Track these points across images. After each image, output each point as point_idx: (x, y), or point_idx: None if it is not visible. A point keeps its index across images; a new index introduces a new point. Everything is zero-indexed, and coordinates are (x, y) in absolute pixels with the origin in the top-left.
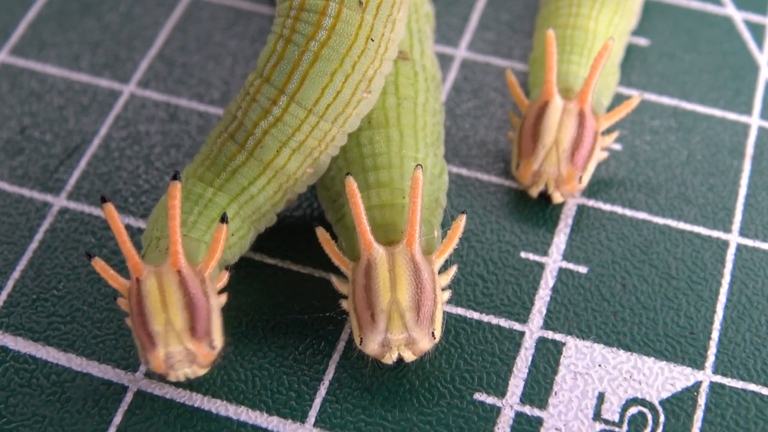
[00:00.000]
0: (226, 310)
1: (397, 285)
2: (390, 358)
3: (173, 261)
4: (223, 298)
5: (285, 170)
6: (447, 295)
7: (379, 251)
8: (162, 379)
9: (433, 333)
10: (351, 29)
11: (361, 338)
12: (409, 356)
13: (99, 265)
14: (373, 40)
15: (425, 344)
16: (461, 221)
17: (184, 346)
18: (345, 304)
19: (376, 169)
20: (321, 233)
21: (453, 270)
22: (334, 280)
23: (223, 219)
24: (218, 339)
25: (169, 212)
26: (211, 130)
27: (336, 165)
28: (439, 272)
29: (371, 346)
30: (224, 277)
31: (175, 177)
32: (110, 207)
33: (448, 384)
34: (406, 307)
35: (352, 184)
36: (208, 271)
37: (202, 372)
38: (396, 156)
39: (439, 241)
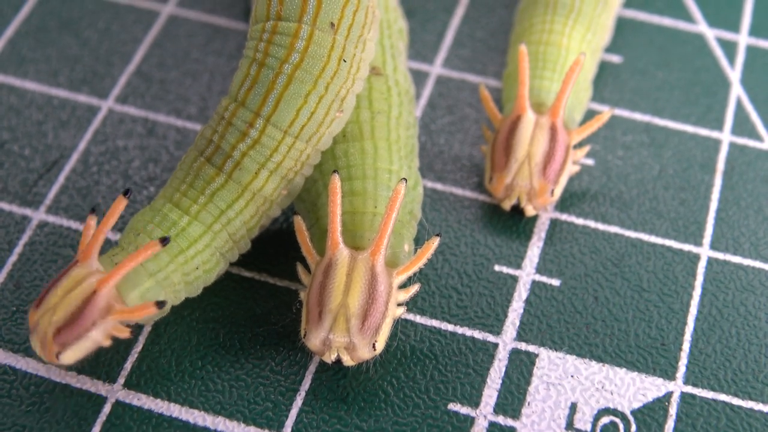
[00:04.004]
0: (203, 322)
1: (350, 290)
2: (329, 357)
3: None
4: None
5: (262, 192)
6: (401, 310)
7: (343, 253)
8: (140, 389)
9: (374, 345)
10: (323, 51)
11: (306, 332)
12: (347, 360)
13: (298, 223)
14: (345, 61)
15: (364, 353)
16: (433, 244)
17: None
18: (302, 295)
19: (351, 179)
20: (298, 223)
21: (414, 288)
22: (300, 269)
23: (164, 241)
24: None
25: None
26: (184, 156)
27: (311, 177)
28: (402, 287)
29: (313, 342)
30: None
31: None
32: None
33: (423, 394)
34: (353, 313)
35: (335, 182)
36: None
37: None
38: (370, 168)
39: (408, 256)
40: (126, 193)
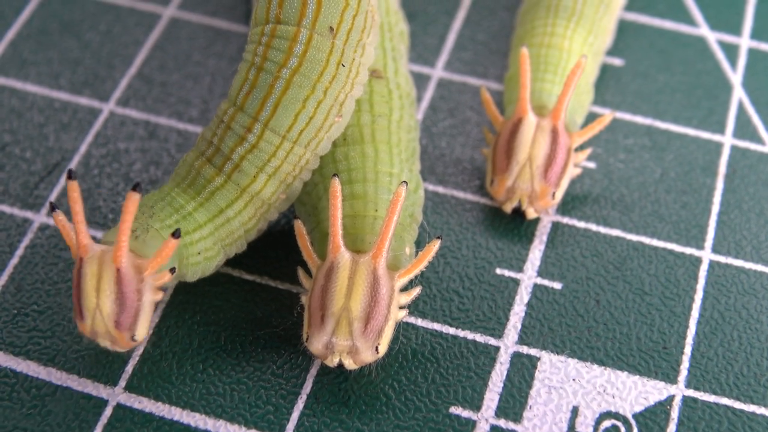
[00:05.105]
0: (204, 325)
1: (352, 293)
2: (332, 361)
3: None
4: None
5: (260, 195)
6: (403, 313)
7: (344, 256)
8: (141, 392)
9: (377, 348)
10: (322, 56)
11: (308, 336)
12: (350, 364)
13: (298, 227)
14: (344, 66)
15: (367, 356)
16: (434, 246)
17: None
18: (304, 299)
19: (351, 183)
20: (298, 227)
21: (416, 291)
22: (300, 273)
23: (176, 234)
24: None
25: None
26: (185, 155)
27: (312, 180)
28: (403, 290)
29: (315, 346)
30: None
31: (135, 188)
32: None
33: (424, 398)
34: (355, 317)
35: (336, 185)
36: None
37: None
38: (371, 171)
39: (410, 258)
40: (135, 187)
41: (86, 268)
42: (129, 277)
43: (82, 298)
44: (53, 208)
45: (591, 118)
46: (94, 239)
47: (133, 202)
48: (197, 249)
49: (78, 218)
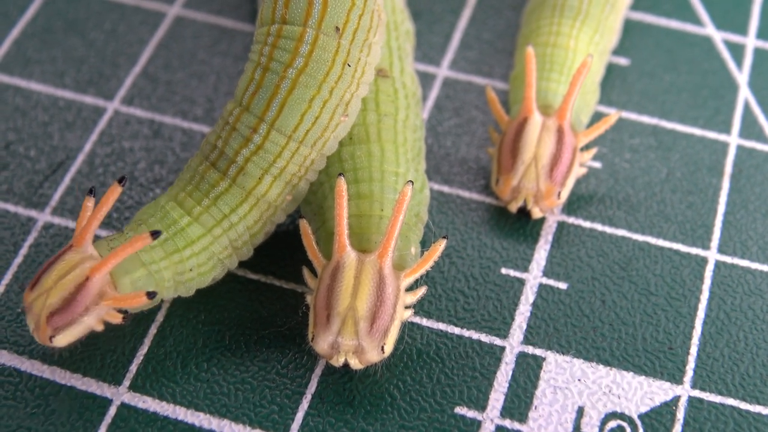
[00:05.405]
0: (209, 325)
1: (358, 292)
2: (337, 361)
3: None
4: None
5: (266, 197)
6: (409, 313)
7: (350, 255)
8: (145, 392)
9: (383, 347)
10: (328, 55)
11: (313, 335)
12: (355, 363)
13: (303, 226)
14: (349, 65)
15: (373, 356)
16: (440, 246)
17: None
18: (309, 299)
19: (357, 182)
20: (303, 227)
21: (421, 291)
22: (306, 272)
23: (155, 234)
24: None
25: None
26: (190, 160)
27: (318, 180)
28: (409, 290)
29: (321, 345)
30: None
31: (120, 180)
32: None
33: (429, 398)
34: (361, 316)
35: (341, 185)
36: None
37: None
38: (377, 170)
39: (415, 258)
40: (120, 181)
41: (65, 257)
42: (90, 291)
43: (42, 276)
44: (92, 192)
45: (597, 117)
46: (97, 238)
47: (114, 194)
48: (189, 266)
49: (99, 215)
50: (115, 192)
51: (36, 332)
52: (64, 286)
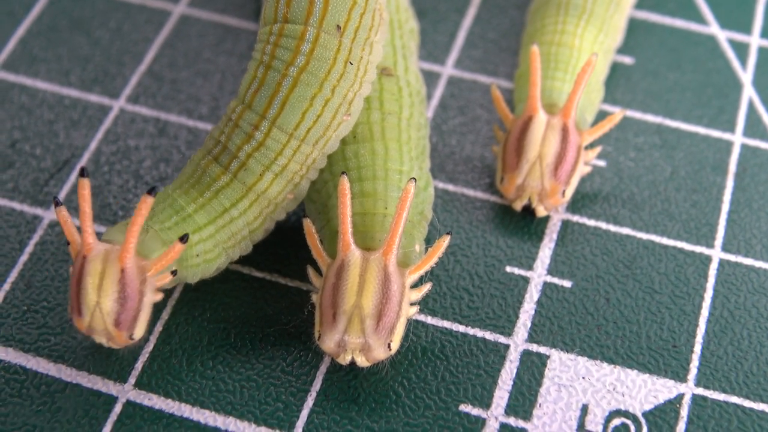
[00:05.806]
0: (214, 322)
1: (364, 290)
2: (344, 359)
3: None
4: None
5: (266, 194)
6: (414, 310)
7: (355, 254)
8: (151, 389)
9: (389, 344)
10: (329, 54)
11: (320, 334)
12: (362, 361)
13: (307, 226)
14: (351, 64)
15: (380, 353)
16: (444, 242)
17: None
18: (314, 298)
19: (361, 180)
20: (307, 226)
21: (426, 287)
22: (310, 271)
23: (183, 239)
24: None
25: (133, 219)
26: (193, 155)
27: (322, 178)
28: (414, 287)
29: (327, 344)
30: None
31: (150, 191)
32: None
33: (434, 395)
34: (367, 314)
35: (345, 183)
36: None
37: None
38: (381, 169)
39: (420, 256)
40: (151, 191)
41: (89, 266)
42: (132, 277)
43: (81, 296)
44: (57, 203)
45: (601, 116)
46: (99, 235)
47: (146, 205)
48: (196, 251)
49: (85, 216)
50: (84, 188)
51: (113, 344)
52: (108, 290)
